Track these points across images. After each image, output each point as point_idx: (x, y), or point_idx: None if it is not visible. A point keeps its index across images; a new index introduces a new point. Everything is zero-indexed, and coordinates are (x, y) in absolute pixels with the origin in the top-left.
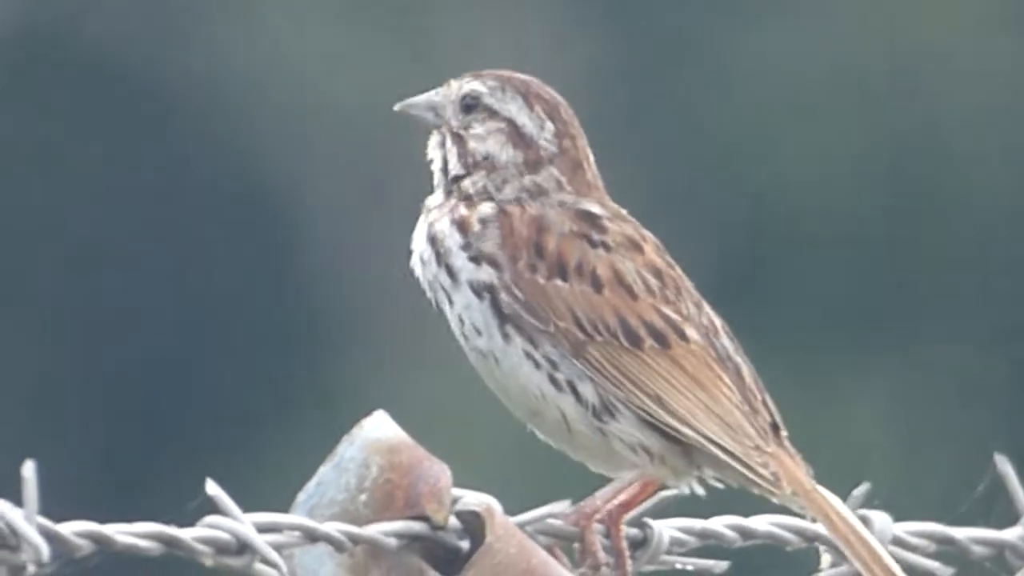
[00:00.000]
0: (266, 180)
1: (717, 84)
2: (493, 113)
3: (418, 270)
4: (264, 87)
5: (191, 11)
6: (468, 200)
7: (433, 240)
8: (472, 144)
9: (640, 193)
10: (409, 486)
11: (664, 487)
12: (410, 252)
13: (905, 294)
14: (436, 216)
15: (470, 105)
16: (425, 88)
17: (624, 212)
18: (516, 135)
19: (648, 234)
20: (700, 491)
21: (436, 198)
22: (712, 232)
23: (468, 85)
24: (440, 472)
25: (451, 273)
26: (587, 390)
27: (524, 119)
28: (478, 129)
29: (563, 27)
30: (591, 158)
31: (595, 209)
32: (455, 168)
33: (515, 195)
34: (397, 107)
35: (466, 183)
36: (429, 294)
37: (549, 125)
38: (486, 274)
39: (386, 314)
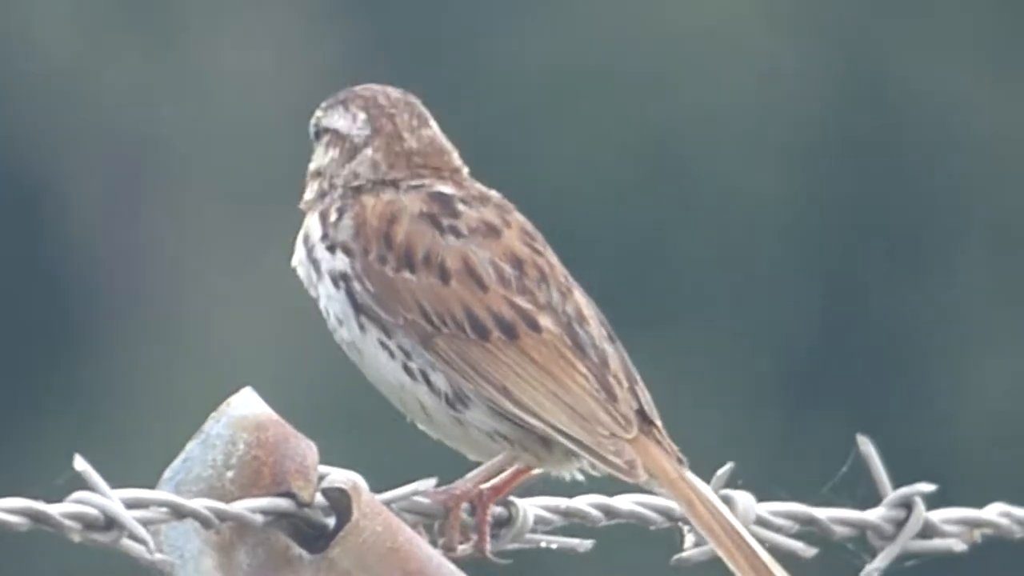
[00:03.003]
0: (27, 177)
1: (472, 81)
2: (326, 131)
3: (300, 273)
4: (21, 82)
5: None
6: (315, 204)
7: (305, 239)
8: (310, 166)
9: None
10: (275, 463)
11: (540, 473)
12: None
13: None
14: (307, 217)
15: (317, 133)
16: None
17: (492, 193)
18: (337, 139)
19: (516, 218)
20: (581, 478)
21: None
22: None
23: (313, 118)
24: (307, 449)
25: (316, 266)
26: (439, 380)
27: (340, 122)
28: (317, 151)
29: (316, 22)
30: (423, 132)
31: (448, 190)
32: (311, 198)
33: (343, 185)
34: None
35: (305, 197)
36: (311, 292)
37: (361, 115)
38: (340, 263)
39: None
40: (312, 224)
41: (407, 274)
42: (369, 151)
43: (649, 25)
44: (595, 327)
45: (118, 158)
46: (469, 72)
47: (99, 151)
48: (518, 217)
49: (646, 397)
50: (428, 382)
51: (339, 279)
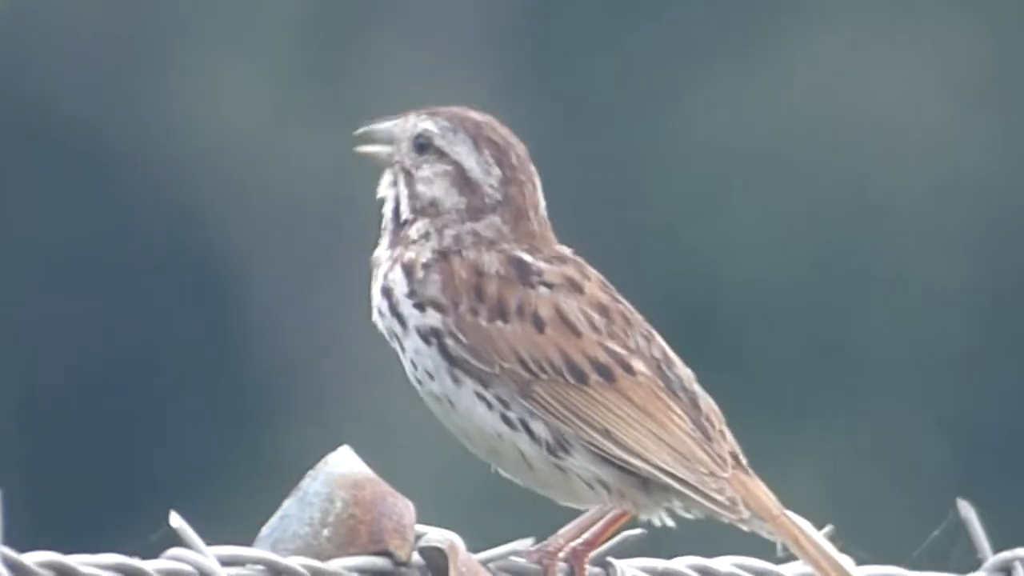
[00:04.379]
0: (211, 242)
1: (656, 149)
2: (442, 155)
3: (378, 323)
4: (208, 148)
5: (134, 70)
6: (411, 246)
7: (387, 291)
8: (420, 187)
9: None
10: (372, 521)
11: (631, 521)
12: (371, 307)
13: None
14: (387, 266)
15: (423, 145)
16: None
17: (568, 252)
18: (462, 179)
19: (593, 272)
20: (670, 523)
21: (382, 248)
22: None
23: (422, 124)
24: (404, 508)
25: (401, 320)
26: (539, 428)
27: (472, 163)
28: (426, 171)
29: (499, 83)
30: (540, 205)
31: (527, 257)
32: (405, 211)
33: (454, 242)
34: (359, 132)
35: (411, 230)
36: (391, 343)
37: (496, 171)
38: (432, 319)
39: (351, 356)
40: (396, 278)
41: (500, 323)
42: (498, 220)
43: (833, 98)
44: (682, 369)
45: (310, 222)
46: (640, 147)
47: (291, 215)
48: (594, 271)
49: (733, 440)
50: (528, 430)
51: (430, 335)
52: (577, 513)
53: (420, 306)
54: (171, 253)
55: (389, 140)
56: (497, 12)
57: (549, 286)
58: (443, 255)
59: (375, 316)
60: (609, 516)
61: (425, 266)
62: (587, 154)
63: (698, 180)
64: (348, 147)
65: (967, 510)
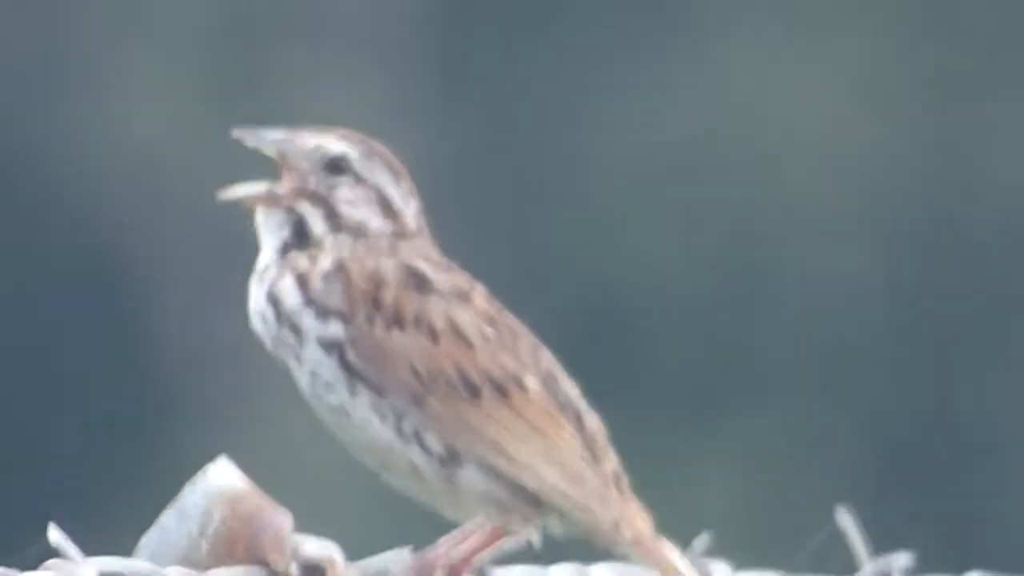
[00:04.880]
0: (111, 250)
1: (568, 163)
2: (361, 180)
3: (260, 329)
4: (112, 159)
5: (36, 75)
6: (310, 257)
7: (273, 299)
8: (343, 208)
9: (492, 268)
10: (251, 536)
11: (509, 534)
12: (249, 314)
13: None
14: (275, 273)
15: (339, 168)
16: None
17: (453, 266)
18: (384, 205)
19: (476, 283)
20: (535, 540)
21: (268, 257)
22: (559, 315)
23: (335, 146)
24: (282, 519)
25: (296, 331)
26: (432, 440)
27: (392, 191)
28: (347, 194)
29: (411, 99)
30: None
31: (421, 265)
32: (319, 229)
33: (352, 253)
34: (238, 133)
35: (327, 241)
36: (274, 352)
37: (413, 203)
38: (334, 329)
39: (229, 364)
40: (286, 287)
41: (397, 333)
42: (419, 243)
43: (745, 106)
44: (568, 386)
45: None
46: (554, 159)
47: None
48: (476, 282)
49: (615, 458)
50: (421, 443)
51: (332, 347)
52: (457, 523)
53: (322, 316)
54: (65, 257)
55: (277, 152)
56: (407, 22)
57: (441, 295)
58: (342, 265)
59: (256, 323)
60: (489, 528)
61: (325, 276)
62: (495, 165)
63: (603, 191)
64: (245, 157)
65: (845, 518)
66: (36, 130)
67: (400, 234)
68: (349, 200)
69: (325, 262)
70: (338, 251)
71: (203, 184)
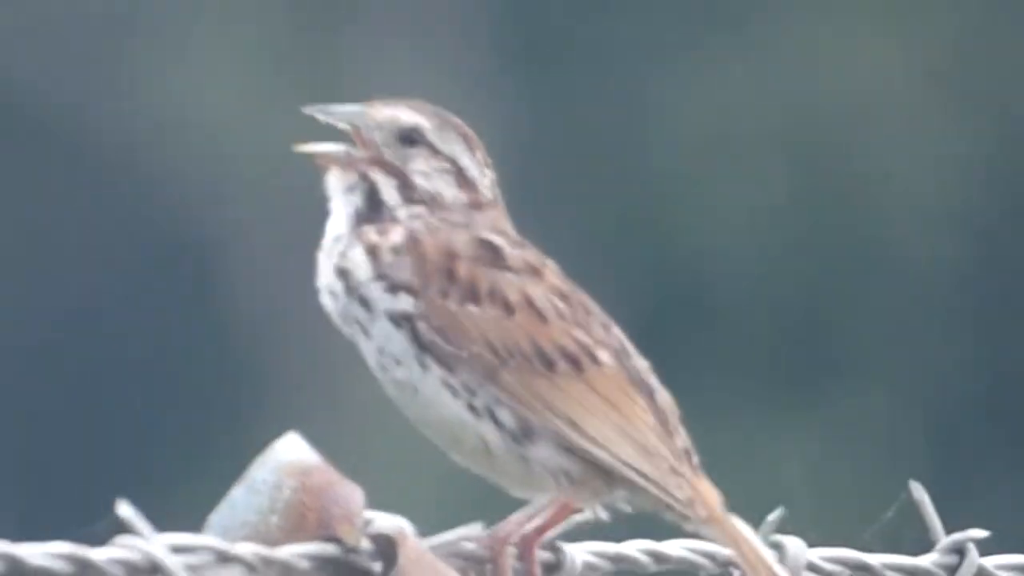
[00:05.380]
0: (187, 226)
1: (637, 137)
2: (436, 152)
3: (328, 304)
4: (183, 135)
5: (107, 50)
6: (379, 230)
7: (342, 272)
8: (418, 180)
9: (561, 243)
10: (321, 508)
11: (578, 510)
12: (317, 289)
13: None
14: (343, 247)
15: (414, 139)
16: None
17: (524, 241)
18: (460, 176)
19: (547, 260)
20: (604, 515)
21: (337, 228)
22: (632, 290)
23: (408, 117)
24: (352, 494)
25: (365, 305)
26: (505, 416)
27: (467, 162)
28: (421, 166)
29: (482, 75)
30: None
31: (496, 239)
32: (392, 199)
33: (426, 226)
34: (311, 109)
35: (401, 213)
36: (343, 327)
37: (489, 173)
38: (404, 303)
39: (297, 341)
40: (357, 259)
41: (471, 307)
42: (493, 214)
43: (821, 81)
44: (639, 360)
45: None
46: (626, 128)
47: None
48: (547, 259)
49: (686, 434)
50: (494, 418)
51: (401, 320)
52: (526, 502)
53: (392, 289)
54: (140, 242)
55: (350, 125)
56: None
57: (515, 271)
58: (413, 237)
59: (324, 298)
60: (559, 504)
61: (395, 249)
62: (569, 140)
63: (678, 164)
64: (316, 128)
65: (919, 491)
66: (106, 98)
67: (475, 205)
68: (424, 172)
69: (396, 235)
70: (410, 223)
71: (271, 156)
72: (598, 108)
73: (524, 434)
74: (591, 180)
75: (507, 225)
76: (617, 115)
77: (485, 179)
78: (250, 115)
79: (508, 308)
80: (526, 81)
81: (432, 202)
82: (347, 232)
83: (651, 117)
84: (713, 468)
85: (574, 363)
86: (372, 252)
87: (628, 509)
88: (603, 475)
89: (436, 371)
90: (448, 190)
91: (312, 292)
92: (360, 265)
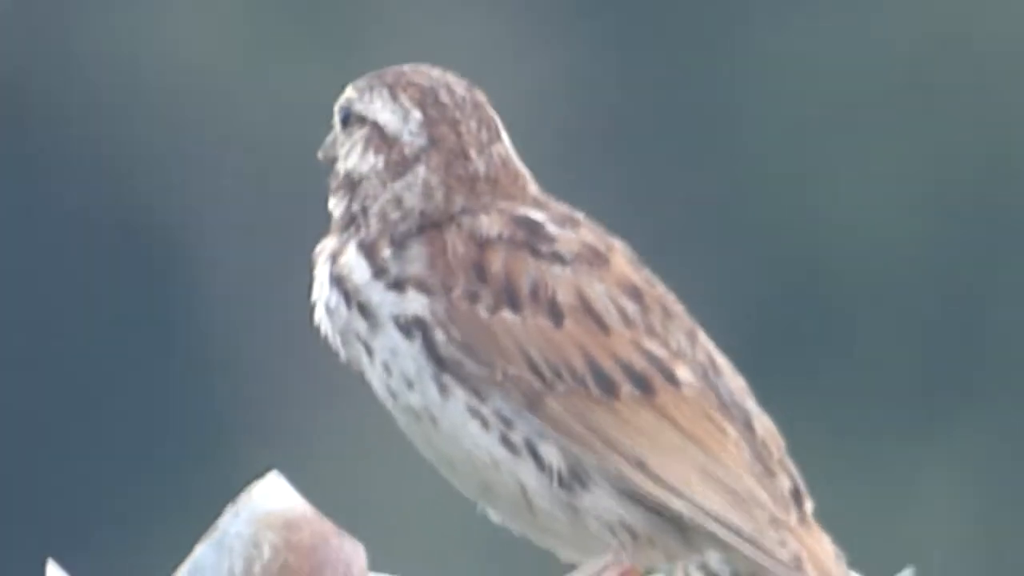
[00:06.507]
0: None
1: (735, 92)
2: (361, 120)
3: (325, 324)
4: (158, 90)
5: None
6: (367, 230)
7: (339, 280)
8: (339, 164)
9: (636, 227)
10: (311, 571)
11: (650, 574)
12: (312, 306)
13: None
14: (335, 247)
15: (344, 118)
16: None
17: (577, 215)
18: (378, 137)
19: (615, 241)
20: None
21: (330, 239)
22: (730, 289)
23: (344, 96)
24: (352, 553)
25: (366, 312)
26: (550, 453)
27: (386, 115)
28: (346, 145)
29: (533, 25)
30: (493, 147)
31: (535, 214)
32: (336, 208)
33: (383, 216)
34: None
35: (338, 215)
36: (343, 352)
37: (416, 114)
38: (415, 305)
39: (291, 359)
40: (351, 261)
41: (507, 314)
42: (422, 170)
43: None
44: (733, 379)
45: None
46: (733, 76)
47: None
48: (616, 240)
49: (796, 472)
50: (536, 457)
51: (413, 327)
52: (573, 566)
53: (399, 286)
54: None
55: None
56: None
57: (565, 261)
58: (433, 222)
59: (320, 315)
60: (620, 569)
61: (397, 238)
62: (656, 99)
63: (791, 133)
64: (334, 86)
65: None
66: (60, 57)
67: (396, 164)
68: (345, 152)
69: (403, 226)
70: (413, 208)
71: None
72: (692, 60)
73: (574, 477)
74: (681, 151)
75: (495, 181)
76: (716, 71)
77: (409, 123)
78: (241, 66)
79: (556, 313)
80: (577, 31)
81: (347, 181)
82: (337, 233)
83: (760, 72)
84: (832, 516)
85: (644, 385)
86: (369, 249)
87: (717, 572)
88: (678, 531)
89: (460, 396)
90: (362, 160)
91: (301, 292)
92: (356, 266)
